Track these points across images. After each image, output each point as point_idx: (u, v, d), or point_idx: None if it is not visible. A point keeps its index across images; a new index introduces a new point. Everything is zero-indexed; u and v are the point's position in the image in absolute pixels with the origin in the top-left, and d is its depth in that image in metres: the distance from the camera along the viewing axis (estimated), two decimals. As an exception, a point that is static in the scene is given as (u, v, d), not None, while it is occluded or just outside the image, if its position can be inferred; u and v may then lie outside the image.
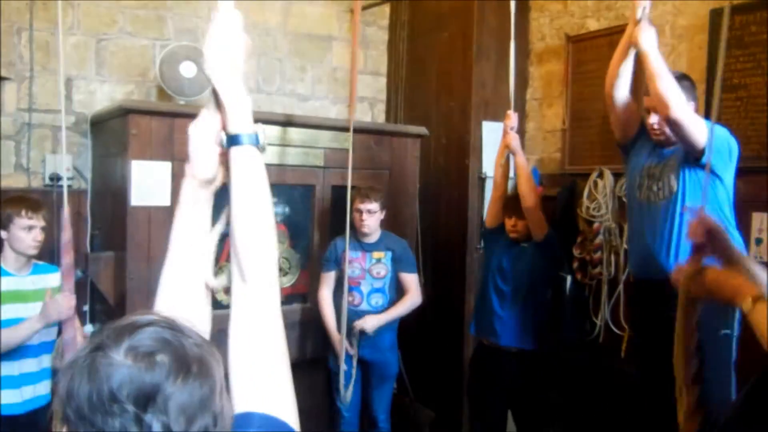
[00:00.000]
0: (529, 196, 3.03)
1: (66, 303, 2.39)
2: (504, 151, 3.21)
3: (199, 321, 1.03)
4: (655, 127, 2.54)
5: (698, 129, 2.36)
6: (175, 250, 1.08)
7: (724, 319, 2.52)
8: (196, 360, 0.78)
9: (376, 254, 3.25)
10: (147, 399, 0.74)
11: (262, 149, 1.04)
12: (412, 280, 3.30)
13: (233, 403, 0.90)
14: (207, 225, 1.09)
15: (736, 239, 2.57)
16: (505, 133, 3.20)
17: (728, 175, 2.45)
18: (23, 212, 2.54)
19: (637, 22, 2.42)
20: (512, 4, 3.29)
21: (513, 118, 3.19)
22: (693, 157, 2.42)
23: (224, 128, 1.05)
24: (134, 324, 0.79)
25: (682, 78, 2.52)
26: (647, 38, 2.39)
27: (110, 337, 0.77)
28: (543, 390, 3.21)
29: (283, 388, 0.96)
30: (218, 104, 1.07)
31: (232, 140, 1.03)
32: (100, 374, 0.74)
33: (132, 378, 0.74)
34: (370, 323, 3.14)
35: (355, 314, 3.18)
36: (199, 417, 0.76)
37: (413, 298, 3.29)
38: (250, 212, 1.02)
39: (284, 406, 0.94)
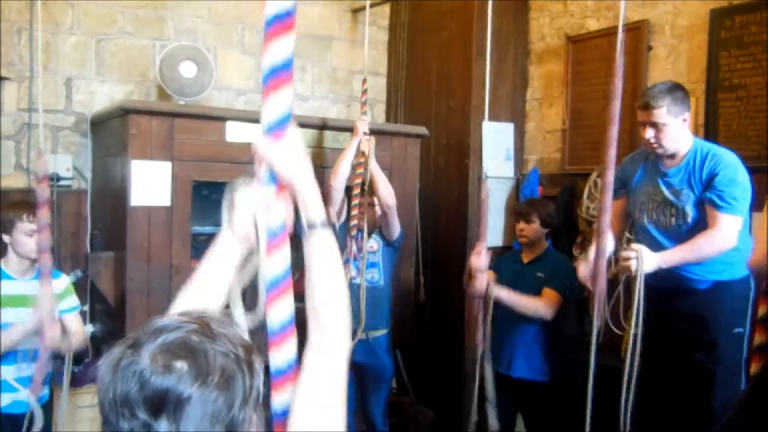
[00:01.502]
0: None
1: (50, 304, 2.41)
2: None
3: None
4: (652, 141, 2.54)
5: (730, 243, 2.44)
6: (197, 281, 1.17)
7: (737, 318, 2.54)
8: (219, 369, 0.78)
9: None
10: (158, 405, 0.74)
11: (337, 233, 1.17)
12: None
13: None
14: (230, 273, 1.18)
15: (749, 244, 2.59)
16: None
17: (749, 190, 2.50)
18: (25, 217, 2.53)
19: None
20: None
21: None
22: None
23: (303, 216, 1.18)
24: (168, 325, 0.80)
25: (673, 89, 2.51)
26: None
27: (144, 335, 0.80)
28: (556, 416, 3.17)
29: None
30: (293, 195, 1.19)
31: (312, 227, 1.16)
32: (121, 373, 0.76)
33: (145, 382, 0.75)
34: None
35: (350, 287, 3.19)
36: (209, 428, 0.76)
37: None
38: (329, 285, 1.13)
39: None
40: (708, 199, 2.45)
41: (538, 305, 2.97)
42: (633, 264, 2.36)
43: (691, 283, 2.55)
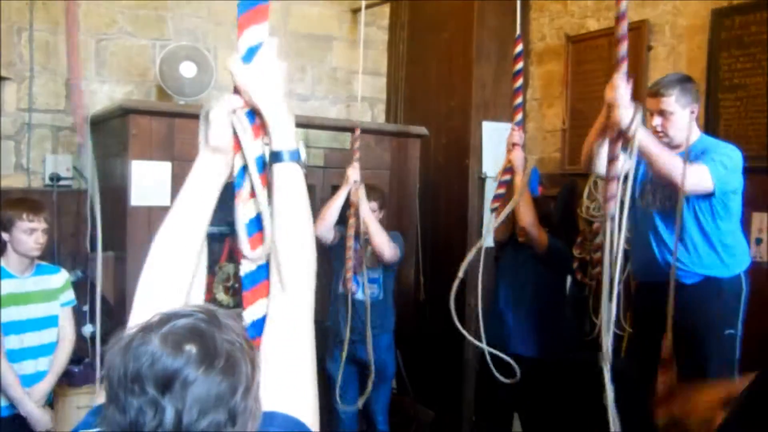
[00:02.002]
0: (525, 216, 2.96)
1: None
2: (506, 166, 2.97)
3: (188, 284, 1.11)
4: (658, 129, 2.53)
5: (705, 184, 2.38)
6: (175, 216, 1.17)
7: (728, 319, 2.52)
8: (224, 355, 0.81)
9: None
10: (166, 383, 0.77)
11: (303, 165, 1.12)
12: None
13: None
14: (211, 204, 1.16)
15: (741, 243, 2.58)
16: (510, 150, 2.94)
17: (740, 184, 2.48)
18: (24, 215, 2.54)
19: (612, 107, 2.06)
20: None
21: (518, 133, 2.92)
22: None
23: (270, 146, 1.13)
24: (178, 313, 0.84)
25: (684, 80, 2.52)
26: (634, 122, 2.02)
27: (155, 321, 0.82)
28: (550, 395, 3.19)
29: (308, 392, 1.02)
30: (262, 123, 1.14)
31: (276, 156, 1.11)
32: (133, 353, 0.79)
33: (156, 360, 0.78)
34: None
35: (351, 303, 3.19)
36: (212, 411, 0.78)
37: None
38: (291, 225, 1.09)
39: (307, 408, 0.99)
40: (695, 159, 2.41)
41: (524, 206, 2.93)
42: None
43: (680, 277, 2.51)
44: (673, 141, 2.54)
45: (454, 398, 3.96)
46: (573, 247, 3.64)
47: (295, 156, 1.11)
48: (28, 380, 2.58)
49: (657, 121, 2.52)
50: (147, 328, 0.81)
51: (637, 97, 2.74)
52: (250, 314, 1.13)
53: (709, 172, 2.38)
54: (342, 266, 3.22)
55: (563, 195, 3.77)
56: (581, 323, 3.65)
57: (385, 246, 3.12)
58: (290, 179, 1.10)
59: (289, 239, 1.08)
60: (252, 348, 0.87)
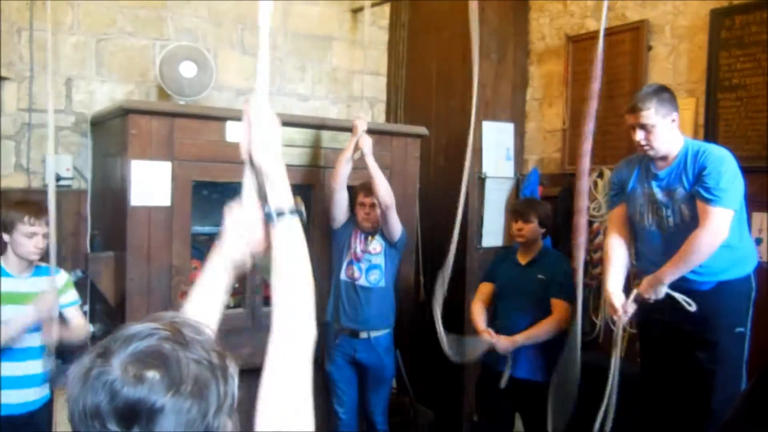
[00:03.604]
0: (387, 195, 3.14)
1: (51, 300, 2.46)
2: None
3: None
4: (643, 143, 2.55)
5: (729, 218, 2.45)
6: (192, 303, 1.16)
7: (739, 317, 2.54)
8: (192, 377, 0.76)
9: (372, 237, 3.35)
10: (130, 416, 0.73)
11: (303, 220, 1.16)
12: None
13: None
14: (222, 296, 1.18)
15: (749, 244, 2.59)
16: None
17: (743, 186, 2.49)
18: (26, 218, 2.54)
19: None
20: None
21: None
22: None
23: (270, 203, 1.16)
24: (139, 332, 0.79)
25: (660, 90, 2.54)
26: None
27: (115, 344, 0.77)
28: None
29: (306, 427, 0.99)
30: (260, 188, 1.18)
31: (279, 213, 1.14)
32: (91, 384, 0.74)
33: (116, 393, 0.73)
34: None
35: (353, 288, 3.26)
36: None
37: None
38: (294, 275, 1.10)
39: None
40: (697, 192, 2.46)
41: (555, 323, 3.01)
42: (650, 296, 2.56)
43: (694, 285, 2.55)
44: (659, 152, 2.56)
45: (454, 398, 3.96)
46: (573, 247, 3.64)
47: (296, 212, 1.15)
48: (18, 382, 2.55)
49: (640, 135, 2.53)
50: (106, 352, 0.76)
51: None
52: None
53: (726, 208, 2.42)
54: (345, 253, 3.29)
55: (563, 195, 3.77)
56: (581, 323, 3.64)
57: (386, 193, 3.16)
58: (292, 233, 1.13)
59: (294, 286, 1.10)
60: (224, 358, 0.82)
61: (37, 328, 2.62)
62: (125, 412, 0.73)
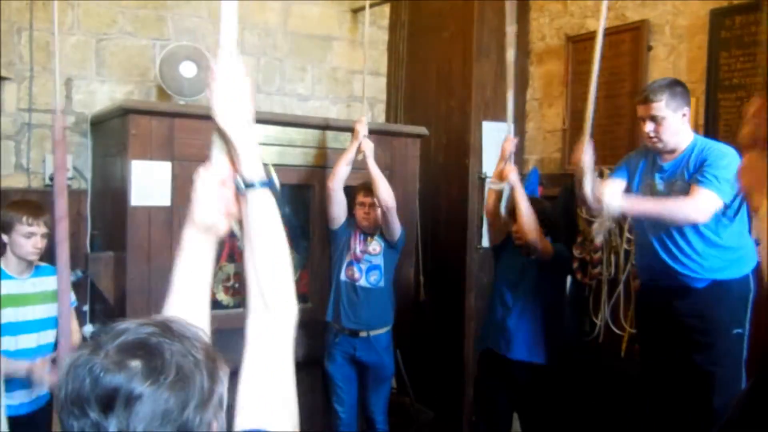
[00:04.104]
0: (530, 232, 2.95)
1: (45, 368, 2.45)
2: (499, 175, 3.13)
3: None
4: (651, 135, 2.55)
5: (716, 205, 2.44)
6: (177, 291, 1.14)
7: (736, 318, 2.54)
8: (174, 370, 0.77)
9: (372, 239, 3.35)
10: (108, 402, 0.73)
11: (276, 190, 1.11)
12: None
13: (242, 418, 0.92)
14: (208, 271, 1.14)
15: (748, 244, 2.59)
16: (503, 160, 3.12)
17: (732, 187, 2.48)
18: (24, 219, 2.54)
19: None
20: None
21: (511, 143, 3.15)
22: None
23: (239, 174, 1.10)
24: (128, 328, 0.80)
25: (673, 84, 2.54)
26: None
27: (105, 338, 0.79)
28: (550, 396, 3.19)
29: (291, 408, 1.00)
30: (229, 152, 1.12)
31: (249, 185, 1.09)
32: (73, 373, 0.75)
33: (96, 379, 0.74)
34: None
35: (353, 289, 3.27)
36: (159, 427, 0.75)
37: None
38: (269, 249, 1.07)
39: (291, 425, 0.98)
40: (694, 179, 2.48)
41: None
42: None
43: (689, 281, 2.55)
44: (668, 146, 2.56)
45: (454, 398, 3.96)
46: (573, 247, 3.64)
47: (268, 183, 1.10)
48: (19, 383, 2.55)
49: (649, 126, 2.53)
50: (96, 346, 0.78)
51: (633, 100, 2.75)
52: None
53: (715, 193, 2.41)
54: (345, 253, 3.30)
55: (563, 195, 3.76)
56: (581, 323, 3.64)
57: (388, 195, 3.16)
58: (265, 205, 1.09)
59: (270, 260, 1.07)
60: (214, 360, 0.83)
61: (34, 330, 2.62)
62: (104, 398, 0.73)
